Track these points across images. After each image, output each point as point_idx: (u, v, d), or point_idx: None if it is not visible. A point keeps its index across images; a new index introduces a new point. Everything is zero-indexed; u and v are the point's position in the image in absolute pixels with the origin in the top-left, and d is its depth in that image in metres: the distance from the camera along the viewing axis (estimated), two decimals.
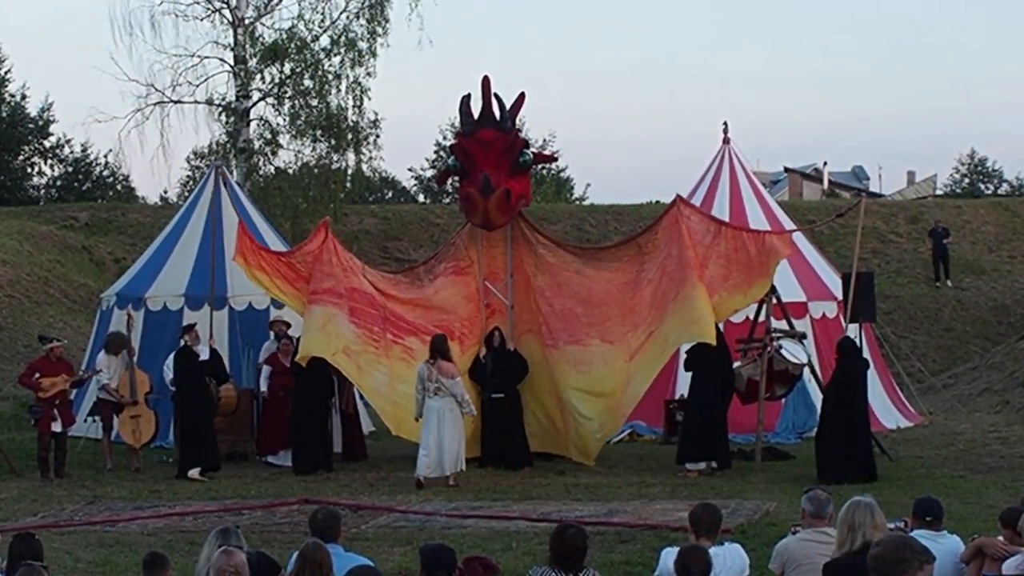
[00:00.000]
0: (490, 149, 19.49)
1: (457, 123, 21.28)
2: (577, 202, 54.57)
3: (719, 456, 18.39)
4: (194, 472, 18.43)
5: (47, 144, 49.49)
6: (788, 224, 24.23)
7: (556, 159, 20.76)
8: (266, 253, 19.69)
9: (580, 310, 19.59)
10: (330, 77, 35.73)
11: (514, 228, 20.14)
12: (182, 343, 19.44)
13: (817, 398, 20.61)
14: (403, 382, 18.95)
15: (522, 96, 19.94)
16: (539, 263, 20.04)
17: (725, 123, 24.56)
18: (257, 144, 36.34)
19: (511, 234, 20.11)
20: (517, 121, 20.19)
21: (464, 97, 19.93)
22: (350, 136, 35.99)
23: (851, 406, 17.63)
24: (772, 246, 18.76)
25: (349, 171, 37.20)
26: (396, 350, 19.34)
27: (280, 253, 20.20)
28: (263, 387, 20.22)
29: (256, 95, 36.27)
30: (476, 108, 19.85)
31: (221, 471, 18.88)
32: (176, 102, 35.87)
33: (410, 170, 61.34)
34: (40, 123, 49.05)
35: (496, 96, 19.71)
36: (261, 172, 36.62)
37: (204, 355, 19.42)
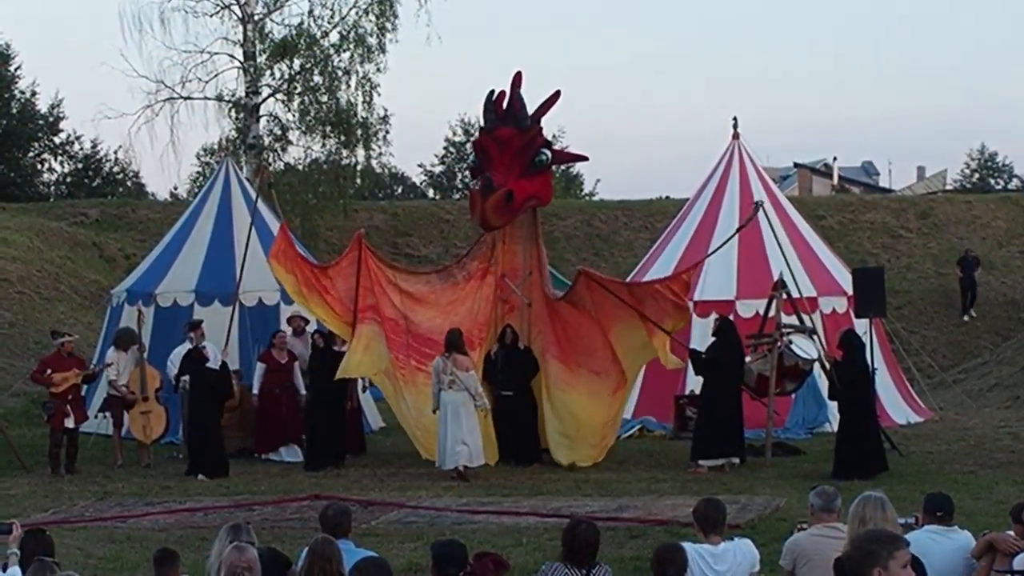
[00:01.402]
0: (505, 147, 19.33)
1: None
2: (587, 198, 54.53)
3: (737, 451, 18.40)
4: (202, 477, 18.39)
5: (57, 141, 49.52)
6: (797, 218, 24.26)
7: (585, 158, 20.64)
8: (301, 262, 19.36)
9: (571, 333, 19.52)
10: (339, 73, 35.77)
11: (531, 226, 20.05)
12: (188, 341, 19.45)
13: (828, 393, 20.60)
14: (427, 407, 18.93)
15: (556, 94, 19.67)
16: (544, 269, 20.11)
17: (735, 118, 24.55)
18: (267, 140, 36.39)
19: (528, 231, 20.02)
20: (541, 119, 19.77)
21: (490, 92, 19.68)
22: (360, 132, 36.03)
23: (866, 398, 17.70)
24: (669, 290, 18.98)
25: (359, 167, 37.27)
26: (420, 377, 19.17)
27: (315, 266, 19.92)
28: (255, 387, 20.12)
29: (266, 91, 36.30)
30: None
31: (231, 467, 18.87)
32: (186, 98, 35.90)
33: (420, 166, 61.44)
34: (50, 120, 49.08)
35: (519, 94, 19.44)
36: (271, 168, 36.65)
37: (211, 353, 19.43)
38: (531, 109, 19.56)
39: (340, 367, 18.82)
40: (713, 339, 18.78)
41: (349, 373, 18.97)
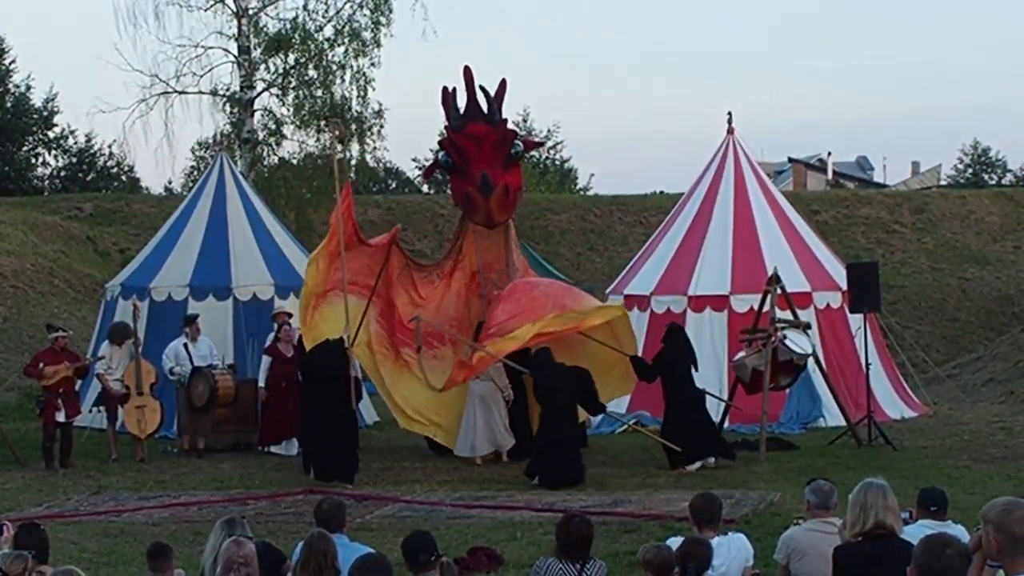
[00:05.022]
0: (483, 144, 19.19)
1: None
2: (581, 193, 54.53)
3: (718, 450, 18.18)
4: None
5: (51, 135, 49.53)
6: (791, 213, 24.21)
7: (544, 144, 20.89)
8: (351, 223, 18.41)
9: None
10: (334, 67, 35.74)
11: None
12: (184, 336, 19.42)
13: (822, 388, 20.60)
14: (400, 385, 18.89)
15: (503, 83, 19.58)
16: (518, 258, 20.04)
17: (730, 113, 24.49)
18: (261, 135, 36.35)
19: (504, 224, 19.89)
20: (503, 110, 19.65)
21: (445, 90, 19.50)
22: (354, 126, 36.00)
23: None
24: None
25: (353, 161, 37.20)
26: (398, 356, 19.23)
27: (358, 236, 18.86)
28: (261, 379, 20.09)
29: (260, 85, 36.27)
30: (461, 100, 19.41)
31: (225, 461, 18.87)
32: (180, 92, 35.84)
33: (414, 160, 61.38)
34: (45, 114, 49.08)
35: (481, 87, 19.32)
36: (265, 163, 36.65)
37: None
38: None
39: (310, 333, 18.06)
40: (663, 346, 18.36)
41: (327, 335, 17.86)
